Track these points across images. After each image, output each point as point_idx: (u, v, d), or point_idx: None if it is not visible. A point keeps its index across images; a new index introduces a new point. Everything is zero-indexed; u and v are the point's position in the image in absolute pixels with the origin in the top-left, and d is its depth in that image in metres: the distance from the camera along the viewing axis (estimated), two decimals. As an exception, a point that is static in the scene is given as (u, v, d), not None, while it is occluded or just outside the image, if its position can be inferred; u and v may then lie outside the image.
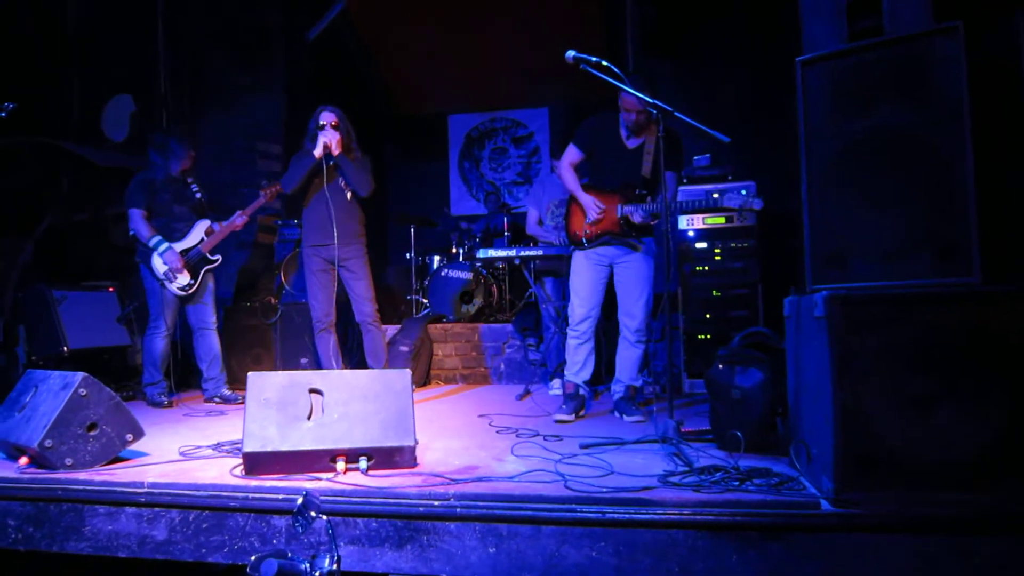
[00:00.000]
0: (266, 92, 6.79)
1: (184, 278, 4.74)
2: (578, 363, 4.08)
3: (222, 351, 5.07)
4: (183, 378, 5.58)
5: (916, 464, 2.12)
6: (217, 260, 4.95)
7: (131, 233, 4.77)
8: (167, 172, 4.82)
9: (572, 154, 4.12)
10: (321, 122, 4.42)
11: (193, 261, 4.80)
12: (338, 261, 4.47)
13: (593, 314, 4.08)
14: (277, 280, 6.03)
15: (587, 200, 3.97)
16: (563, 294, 5.54)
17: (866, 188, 2.35)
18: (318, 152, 4.34)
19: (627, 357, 4.07)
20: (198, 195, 4.97)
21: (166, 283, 4.70)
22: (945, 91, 2.20)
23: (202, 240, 4.86)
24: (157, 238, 4.68)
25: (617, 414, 4.06)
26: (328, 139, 4.35)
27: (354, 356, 5.82)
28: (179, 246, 4.77)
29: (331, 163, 4.41)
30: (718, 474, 2.45)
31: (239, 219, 5.00)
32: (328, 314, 4.51)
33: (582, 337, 4.07)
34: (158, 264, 4.69)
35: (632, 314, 4.01)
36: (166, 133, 4.93)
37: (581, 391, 4.10)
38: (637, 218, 3.88)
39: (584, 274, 4.07)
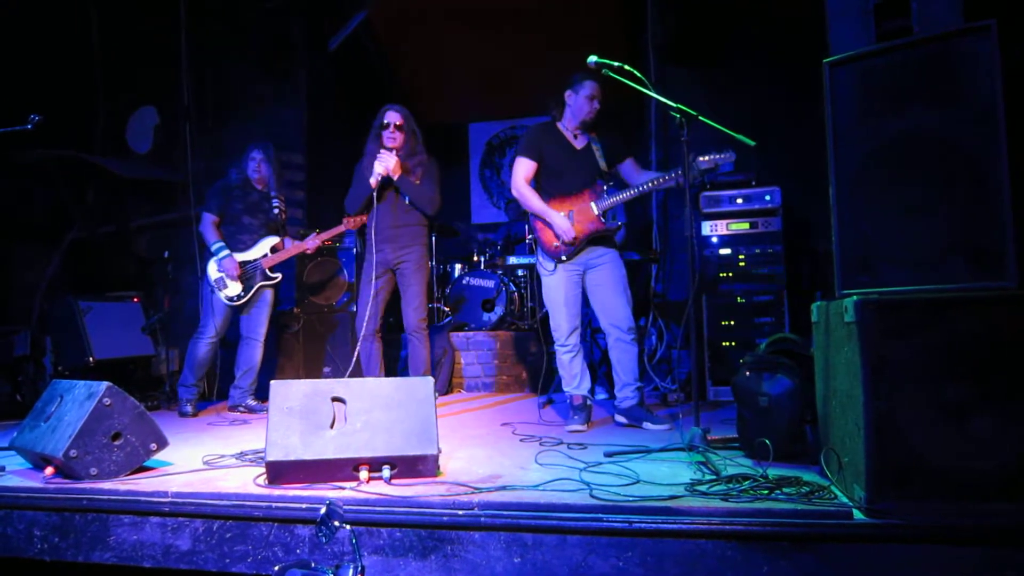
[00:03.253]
0: (288, 102, 6.83)
1: (235, 288, 4.76)
2: (577, 375, 4.05)
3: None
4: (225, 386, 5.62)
5: (951, 473, 2.06)
6: (277, 278, 4.95)
7: (201, 237, 4.86)
8: (244, 180, 4.89)
9: (525, 167, 4.04)
10: (385, 120, 4.36)
11: (250, 274, 4.82)
12: (395, 265, 4.44)
13: (579, 323, 4.08)
14: (300, 289, 6.05)
15: (558, 221, 3.92)
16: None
17: (896, 191, 2.30)
18: (374, 181, 4.28)
19: (628, 359, 4.00)
20: (276, 211, 4.97)
21: (215, 289, 4.73)
22: (978, 92, 2.14)
23: (265, 255, 4.88)
24: (219, 244, 4.74)
25: (627, 421, 4.00)
26: (384, 167, 4.27)
27: (397, 364, 5.84)
28: (239, 256, 4.79)
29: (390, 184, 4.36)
30: (747, 483, 2.41)
31: (311, 242, 5.00)
32: (370, 321, 4.43)
33: (574, 349, 4.06)
34: (212, 269, 4.75)
35: (621, 315, 3.97)
36: (252, 143, 5.01)
37: (588, 401, 4.06)
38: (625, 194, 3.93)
39: (564, 286, 4.00)
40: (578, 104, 4.01)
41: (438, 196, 4.45)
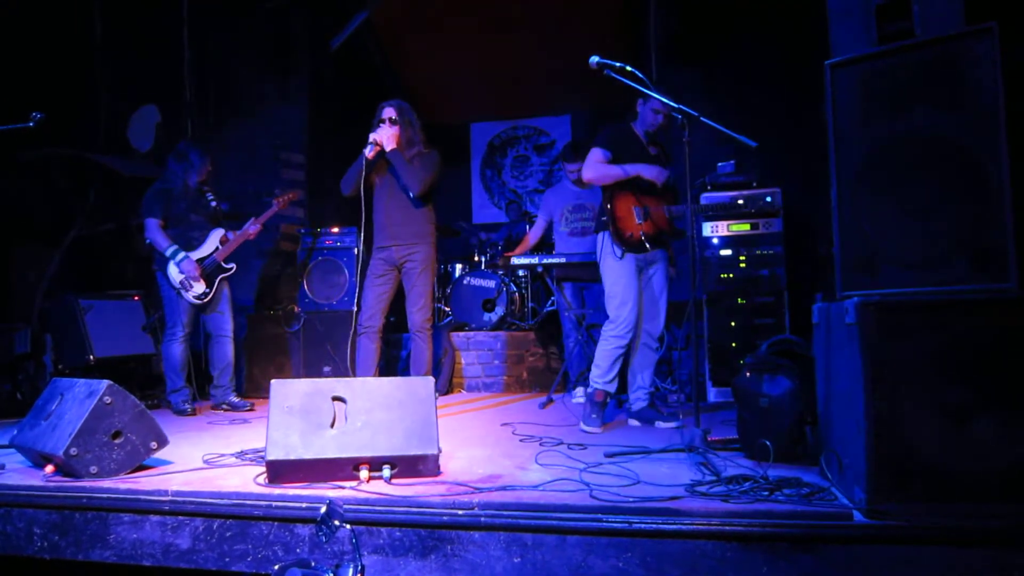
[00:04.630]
0: (289, 101, 6.83)
1: (200, 287, 4.79)
2: (614, 373, 3.94)
3: (245, 359, 5.09)
4: (204, 386, 5.63)
5: (952, 475, 2.06)
6: (231, 268, 4.99)
7: (148, 242, 4.82)
8: (184, 182, 4.86)
9: (599, 155, 3.97)
10: (382, 116, 4.37)
11: (208, 270, 4.85)
12: (400, 263, 4.42)
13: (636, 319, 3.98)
14: (300, 288, 6.05)
15: (649, 170, 3.87)
16: (582, 300, 5.53)
17: (897, 193, 2.30)
18: (369, 152, 4.27)
19: (648, 364, 4.06)
20: (213, 203, 5.03)
21: (182, 292, 4.75)
22: (979, 94, 2.15)
23: (217, 249, 4.91)
24: (174, 247, 4.72)
25: (638, 423, 4.03)
26: (378, 136, 4.28)
27: (398, 364, 5.82)
28: (195, 255, 4.81)
29: (385, 159, 4.35)
30: (747, 484, 2.41)
31: (252, 228, 5.05)
32: (371, 318, 4.41)
33: (627, 345, 3.94)
34: (174, 273, 4.74)
35: (657, 322, 4.03)
36: (188, 144, 4.97)
37: (608, 400, 4.01)
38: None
39: (632, 277, 3.93)
40: (644, 115, 4.02)
41: (430, 179, 4.36)
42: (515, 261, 5.31)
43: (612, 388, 3.97)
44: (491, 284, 6.53)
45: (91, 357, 5.22)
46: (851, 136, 2.41)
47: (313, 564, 1.81)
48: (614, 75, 3.38)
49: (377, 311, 4.40)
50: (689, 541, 2.18)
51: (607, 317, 3.96)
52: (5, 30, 5.88)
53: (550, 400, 5.01)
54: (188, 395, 4.86)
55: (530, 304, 6.78)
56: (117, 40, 6.90)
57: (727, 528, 2.15)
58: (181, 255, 4.72)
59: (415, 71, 8.57)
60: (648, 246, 3.91)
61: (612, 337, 3.92)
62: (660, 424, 3.92)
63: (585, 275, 5.29)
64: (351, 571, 1.72)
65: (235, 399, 5.00)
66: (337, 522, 1.77)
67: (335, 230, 6.06)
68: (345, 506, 2.07)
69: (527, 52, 7.83)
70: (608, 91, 4.09)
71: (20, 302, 6.02)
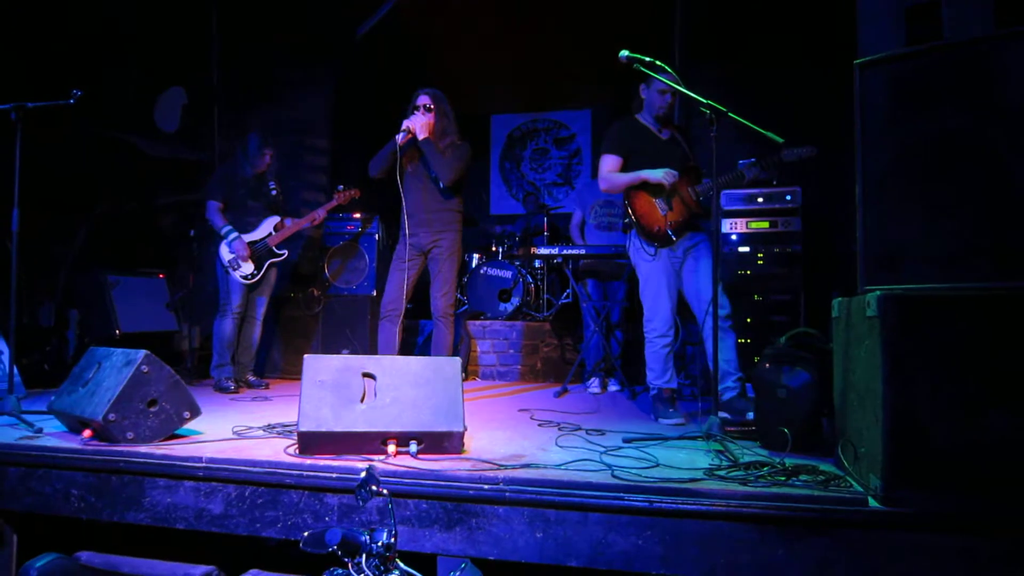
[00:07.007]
0: (315, 87, 6.91)
1: (248, 267, 4.98)
2: (670, 369, 3.91)
3: (265, 340, 5.22)
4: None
5: (967, 466, 2.12)
6: (283, 254, 5.18)
7: (210, 224, 5.07)
8: (246, 170, 5.08)
9: (611, 162, 4.03)
10: (417, 103, 4.41)
11: (260, 253, 5.04)
12: (427, 249, 4.47)
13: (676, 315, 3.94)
14: (322, 273, 6.14)
15: (656, 173, 3.84)
16: (604, 294, 5.58)
17: (923, 192, 2.34)
18: (400, 138, 4.30)
19: (727, 347, 3.86)
20: (273, 192, 5.23)
21: (230, 270, 4.92)
22: (1008, 97, 2.18)
23: (270, 234, 5.11)
24: (228, 228, 4.95)
25: (730, 416, 3.77)
26: (411, 123, 4.32)
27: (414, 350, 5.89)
28: (247, 237, 5.01)
29: (417, 147, 4.38)
30: (764, 469, 2.48)
31: (309, 219, 5.25)
32: (393, 302, 4.43)
33: (672, 343, 3.91)
34: (224, 252, 4.95)
35: (720, 300, 3.75)
36: (253, 135, 5.16)
37: (675, 395, 3.95)
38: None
39: (666, 274, 3.90)
40: (651, 98, 4.03)
41: (460, 169, 4.40)
42: (541, 251, 5.38)
43: (674, 384, 3.92)
44: (507, 274, 6.60)
45: (117, 331, 5.34)
46: (878, 135, 2.45)
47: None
48: (643, 69, 3.40)
49: (400, 295, 4.45)
50: (707, 522, 2.25)
51: (628, 313, 3.99)
52: (41, 5, 5.98)
53: (565, 390, 5.08)
54: (232, 373, 5.00)
55: (546, 295, 6.85)
56: (148, 20, 6.98)
57: (745, 510, 2.22)
58: (233, 235, 4.94)
59: (440, 60, 8.60)
60: (674, 237, 3.88)
61: (654, 338, 3.92)
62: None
63: (605, 268, 5.35)
64: (385, 534, 1.79)
65: (252, 377, 5.18)
66: (375, 487, 1.85)
67: (357, 216, 6.15)
68: (376, 476, 2.14)
69: (551, 45, 7.87)
70: (630, 87, 4.13)
71: (45, 276, 6.13)
